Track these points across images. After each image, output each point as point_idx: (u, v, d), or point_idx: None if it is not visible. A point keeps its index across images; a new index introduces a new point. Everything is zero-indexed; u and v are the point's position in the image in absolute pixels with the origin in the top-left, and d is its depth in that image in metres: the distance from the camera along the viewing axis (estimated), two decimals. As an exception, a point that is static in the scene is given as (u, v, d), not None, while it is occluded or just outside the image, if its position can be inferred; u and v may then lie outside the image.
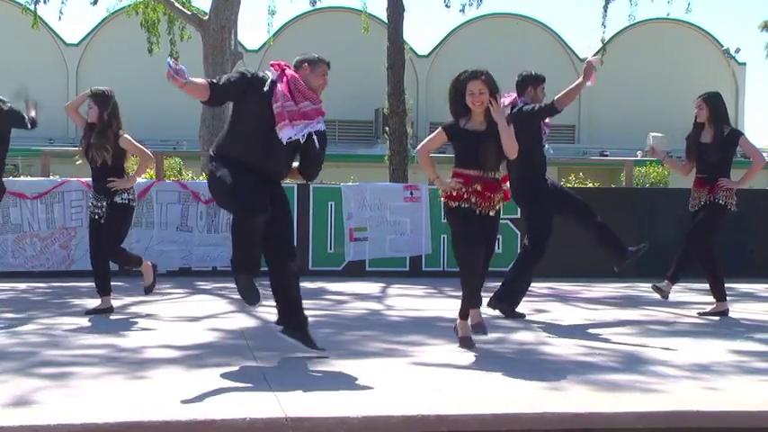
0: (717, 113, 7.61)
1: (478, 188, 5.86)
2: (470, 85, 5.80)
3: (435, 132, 6.07)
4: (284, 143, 5.51)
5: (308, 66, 5.70)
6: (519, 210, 7.76)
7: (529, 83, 7.60)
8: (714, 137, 7.59)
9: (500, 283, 7.55)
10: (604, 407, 4.49)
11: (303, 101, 5.56)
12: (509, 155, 5.97)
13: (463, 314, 6.04)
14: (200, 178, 13.18)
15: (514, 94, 7.59)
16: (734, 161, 7.73)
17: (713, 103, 7.64)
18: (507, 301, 7.50)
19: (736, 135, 7.64)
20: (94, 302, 7.53)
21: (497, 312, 7.62)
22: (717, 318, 7.70)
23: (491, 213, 5.94)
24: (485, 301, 6.32)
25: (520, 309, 7.58)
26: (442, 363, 5.51)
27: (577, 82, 7.18)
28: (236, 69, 6.14)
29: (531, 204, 7.56)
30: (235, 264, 5.53)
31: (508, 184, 6.18)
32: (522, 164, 7.45)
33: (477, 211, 5.88)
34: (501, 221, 10.90)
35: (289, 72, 5.63)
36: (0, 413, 4.11)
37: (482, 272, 6.01)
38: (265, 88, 5.56)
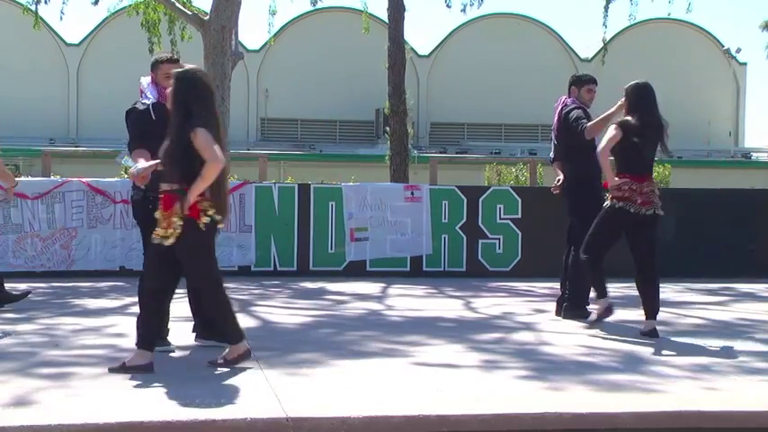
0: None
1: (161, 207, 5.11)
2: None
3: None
4: None
5: (152, 72, 5.93)
6: (570, 211, 7.45)
7: (572, 83, 7.72)
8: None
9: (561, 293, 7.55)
10: (604, 407, 4.50)
11: None
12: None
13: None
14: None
15: (564, 97, 7.69)
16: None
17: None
18: (579, 307, 7.41)
19: None
20: (94, 302, 7.50)
21: (498, 312, 7.62)
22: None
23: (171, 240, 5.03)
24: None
25: (518, 308, 7.55)
26: (443, 363, 5.52)
27: (607, 113, 7.02)
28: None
29: (588, 208, 7.20)
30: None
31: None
32: (578, 166, 7.40)
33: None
34: (502, 221, 11.20)
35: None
36: (0, 413, 4.12)
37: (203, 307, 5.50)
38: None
